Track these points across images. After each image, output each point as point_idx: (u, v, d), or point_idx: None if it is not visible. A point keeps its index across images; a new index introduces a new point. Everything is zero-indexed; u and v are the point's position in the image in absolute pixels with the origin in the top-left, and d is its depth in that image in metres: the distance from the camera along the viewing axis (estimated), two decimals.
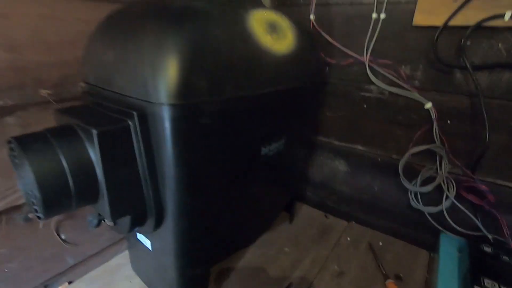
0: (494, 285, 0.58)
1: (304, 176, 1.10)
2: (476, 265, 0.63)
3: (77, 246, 0.71)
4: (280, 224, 0.99)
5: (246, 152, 0.60)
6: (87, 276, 0.76)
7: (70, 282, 0.73)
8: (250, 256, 0.85)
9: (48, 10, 0.56)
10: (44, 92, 0.57)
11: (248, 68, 0.52)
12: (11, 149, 0.42)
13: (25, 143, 0.40)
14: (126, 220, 0.53)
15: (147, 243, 0.63)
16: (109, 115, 0.47)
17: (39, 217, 0.43)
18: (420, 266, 0.82)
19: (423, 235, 0.88)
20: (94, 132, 0.41)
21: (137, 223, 0.54)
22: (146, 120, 0.45)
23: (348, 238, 0.94)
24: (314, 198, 1.11)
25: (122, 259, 0.81)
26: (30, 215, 0.62)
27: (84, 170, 0.43)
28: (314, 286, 0.76)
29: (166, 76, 0.42)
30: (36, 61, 0.56)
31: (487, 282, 0.58)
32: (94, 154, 0.44)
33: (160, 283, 0.69)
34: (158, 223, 0.54)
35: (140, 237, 0.65)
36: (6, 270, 0.60)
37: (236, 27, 0.52)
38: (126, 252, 0.82)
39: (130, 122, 0.45)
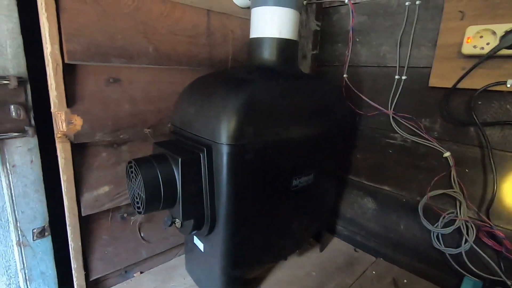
0: None
1: (336, 211, 1.22)
2: None
3: (150, 244, 0.95)
4: (311, 251, 1.11)
5: (279, 181, 0.78)
6: (153, 270, 0.98)
7: (141, 272, 0.96)
8: (281, 274, 0.99)
9: (154, 77, 0.85)
10: (146, 131, 0.85)
11: (282, 120, 0.73)
12: (130, 167, 0.67)
13: (140, 163, 0.65)
14: (189, 224, 0.74)
15: (201, 246, 0.83)
16: (187, 148, 0.71)
17: (139, 212, 0.67)
18: None
19: (448, 278, 0.92)
20: (179, 159, 0.65)
21: (197, 226, 0.74)
22: (211, 153, 0.68)
23: (374, 272, 1.02)
24: (344, 232, 1.21)
25: (178, 261, 1.02)
26: (125, 215, 0.88)
27: (170, 183, 0.66)
28: None
29: (226, 126, 0.64)
30: (144, 110, 0.85)
31: None
32: (176, 173, 0.67)
33: (207, 281, 0.87)
34: (211, 228, 0.75)
35: (196, 241, 0.85)
36: (106, 252, 0.85)
37: (276, 91, 0.74)
38: (182, 256, 1.03)
39: (201, 154, 0.68)
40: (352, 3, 1.00)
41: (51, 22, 0.63)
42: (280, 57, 0.82)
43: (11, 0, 0.64)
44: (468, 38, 0.76)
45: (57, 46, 0.65)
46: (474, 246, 0.83)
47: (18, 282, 0.77)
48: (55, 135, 0.72)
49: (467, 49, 0.77)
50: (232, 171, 0.67)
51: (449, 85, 0.83)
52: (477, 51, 0.75)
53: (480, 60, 0.75)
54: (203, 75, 0.84)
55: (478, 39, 0.75)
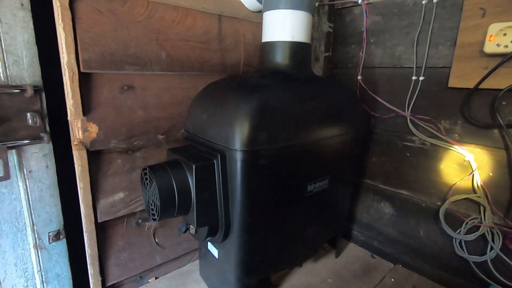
0: None
1: (351, 216, 1.19)
2: None
3: (164, 249, 0.95)
4: (326, 257, 1.09)
5: (294, 187, 0.77)
6: (167, 276, 0.98)
7: (156, 278, 0.96)
8: (296, 281, 0.97)
9: (166, 84, 0.86)
10: (160, 137, 0.85)
11: (296, 125, 0.72)
12: (145, 174, 0.68)
13: (154, 170, 0.65)
14: (203, 230, 0.73)
15: (215, 252, 0.83)
16: (201, 155, 0.70)
17: (154, 219, 0.67)
18: None
19: (472, 286, 0.88)
20: (193, 165, 0.64)
21: (211, 233, 0.74)
22: (225, 160, 0.67)
23: (392, 279, 0.99)
24: (361, 237, 1.18)
25: (192, 267, 1.02)
26: (139, 221, 0.88)
27: (184, 190, 0.66)
28: None
29: (239, 132, 0.64)
30: (157, 116, 0.85)
31: None
32: (191, 180, 0.66)
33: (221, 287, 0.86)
34: (226, 235, 0.74)
35: (210, 247, 0.84)
36: (121, 258, 0.86)
37: (289, 96, 0.72)
38: (196, 262, 1.03)
39: (214, 160, 0.67)
40: (366, 3, 0.98)
41: (68, 32, 0.64)
42: (293, 61, 0.80)
43: (26, 12, 0.66)
44: (490, 36, 0.73)
45: (73, 56, 0.66)
46: (501, 253, 0.79)
47: (35, 284, 0.79)
48: (71, 143, 0.73)
49: (489, 47, 0.73)
50: (246, 177, 0.66)
51: (471, 85, 0.80)
52: (501, 49, 0.72)
53: (504, 58, 0.72)
54: (215, 80, 0.84)
55: (502, 37, 0.71)
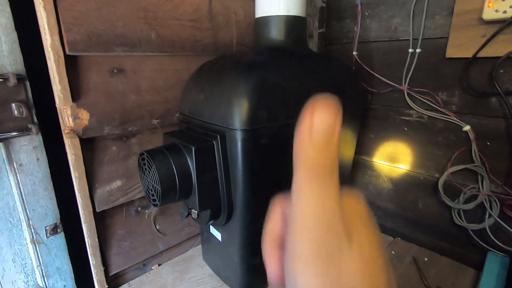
0: None
1: None
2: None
3: (166, 236, 0.94)
4: None
5: None
6: (170, 262, 0.97)
7: (159, 264, 0.95)
8: None
9: (159, 66, 0.82)
10: (154, 122, 0.82)
11: (296, 102, 0.70)
12: (143, 159, 0.65)
13: (152, 154, 0.63)
14: (206, 214, 0.72)
15: (218, 235, 0.82)
16: (200, 137, 0.68)
17: (155, 205, 0.65)
18: (465, 283, 0.85)
19: (471, 254, 0.91)
20: (192, 148, 0.62)
21: (214, 216, 0.73)
22: (225, 140, 0.65)
23: (393, 252, 1.01)
24: None
25: (195, 252, 1.02)
26: (139, 209, 0.87)
27: (184, 173, 0.64)
28: None
29: (239, 111, 0.62)
30: (150, 100, 0.82)
31: None
32: (191, 163, 0.65)
33: (226, 270, 0.86)
34: (229, 217, 0.73)
35: (213, 230, 0.84)
36: (123, 246, 0.84)
37: (288, 72, 0.70)
38: (199, 246, 1.02)
39: (214, 142, 0.65)
40: None
41: (49, 11, 0.59)
42: (289, 36, 0.77)
43: None
44: (489, 2, 0.71)
45: (57, 37, 0.62)
46: (499, 220, 0.81)
47: (36, 279, 0.77)
48: (62, 131, 0.70)
49: (488, 14, 0.72)
50: (247, 157, 0.64)
51: (468, 55, 0.79)
52: (500, 15, 0.70)
53: (503, 25, 0.71)
54: (209, 60, 0.80)
55: (500, 2, 0.70)
